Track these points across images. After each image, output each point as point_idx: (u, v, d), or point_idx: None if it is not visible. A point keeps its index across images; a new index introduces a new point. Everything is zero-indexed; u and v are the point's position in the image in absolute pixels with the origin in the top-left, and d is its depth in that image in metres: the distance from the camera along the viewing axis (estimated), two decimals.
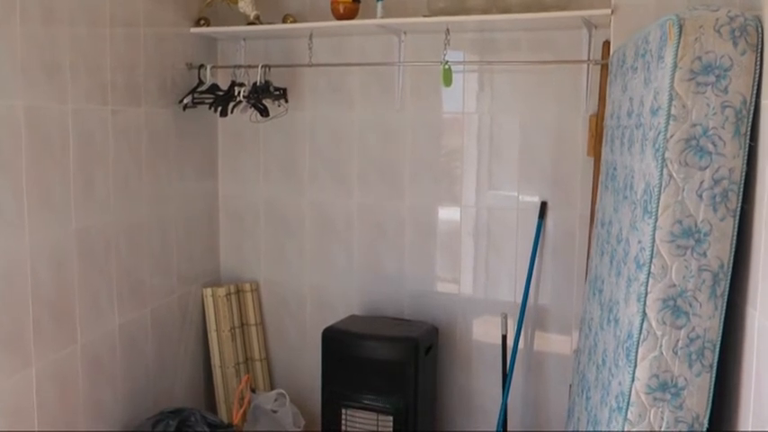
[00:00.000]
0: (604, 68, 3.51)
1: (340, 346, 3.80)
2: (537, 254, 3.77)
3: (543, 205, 3.79)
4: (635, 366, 2.08)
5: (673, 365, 2.04)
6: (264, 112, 4.02)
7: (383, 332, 3.79)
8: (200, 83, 4.05)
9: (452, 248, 4.04)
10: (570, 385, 3.57)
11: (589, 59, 3.62)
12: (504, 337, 3.77)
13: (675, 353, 2.04)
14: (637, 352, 2.08)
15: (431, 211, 4.06)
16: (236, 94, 3.88)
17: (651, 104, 2.13)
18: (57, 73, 3.13)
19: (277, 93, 4.01)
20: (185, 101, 3.95)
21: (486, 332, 3.98)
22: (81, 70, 3.28)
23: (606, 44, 3.51)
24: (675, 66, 1.98)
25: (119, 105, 3.54)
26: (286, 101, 4.05)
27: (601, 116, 3.51)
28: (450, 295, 4.06)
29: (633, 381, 2.09)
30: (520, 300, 3.84)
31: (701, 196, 1.99)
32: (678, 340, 2.03)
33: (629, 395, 2.10)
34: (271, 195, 4.38)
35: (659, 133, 2.02)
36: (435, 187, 4.03)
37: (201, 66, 4.05)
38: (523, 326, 3.80)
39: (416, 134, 4.04)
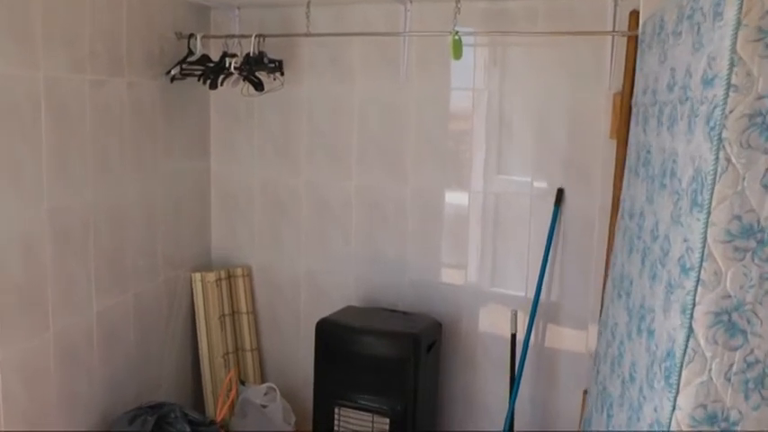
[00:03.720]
0: (631, 41, 3.06)
1: (334, 340, 3.38)
2: (552, 245, 3.34)
3: (560, 192, 3.34)
4: (677, 392, 1.64)
5: (724, 394, 1.60)
6: (259, 85, 3.58)
7: (382, 326, 3.36)
8: (190, 53, 3.60)
9: (459, 236, 3.61)
10: (585, 392, 3.15)
11: (614, 30, 3.17)
12: (514, 336, 3.33)
13: (728, 379, 1.60)
14: (679, 375, 1.63)
15: (436, 195, 3.62)
16: (227, 65, 3.44)
17: (704, 73, 1.68)
18: (26, 37, 2.73)
19: (272, 65, 3.57)
20: (173, 72, 3.51)
21: (493, 327, 3.55)
22: (55, 35, 2.87)
23: (634, 14, 3.05)
24: (739, 23, 1.52)
25: (98, 75, 3.11)
26: (282, 74, 3.62)
27: (626, 94, 3.07)
28: (455, 286, 3.63)
29: (674, 409, 1.65)
30: (531, 294, 3.41)
31: (766, 187, 1.55)
32: (732, 364, 1.59)
33: (669, 426, 1.66)
34: (265, 175, 3.95)
35: (715, 107, 1.57)
36: (441, 169, 3.60)
37: (191, 35, 3.61)
38: (535, 322, 3.38)
39: (422, 112, 3.59)
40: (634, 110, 2.60)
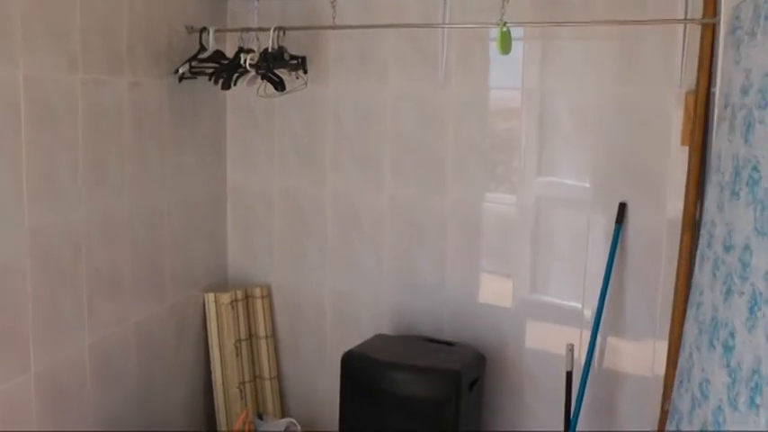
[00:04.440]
0: (707, 30, 2.60)
1: (363, 375, 2.95)
2: (612, 268, 2.89)
3: (622, 207, 2.89)
4: None
5: None
6: (279, 85, 3.17)
7: (417, 360, 2.92)
8: (202, 49, 3.21)
9: (504, 255, 3.17)
10: None
11: (686, 18, 2.71)
12: (570, 374, 2.88)
13: None
14: None
15: (478, 208, 3.18)
16: (241, 62, 3.04)
17: None
18: (1, 27, 2.35)
19: (294, 62, 3.15)
20: (181, 70, 3.11)
21: (544, 360, 3.10)
22: (37, 27, 2.48)
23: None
24: None
25: (92, 73, 2.73)
26: (305, 72, 3.20)
27: (702, 93, 2.62)
28: (500, 312, 3.19)
29: None
30: (587, 323, 2.97)
31: None
32: None
33: None
34: (287, 184, 3.54)
35: None
36: (484, 180, 3.16)
37: (204, 29, 3.21)
38: (594, 357, 2.93)
39: (462, 115, 3.16)
40: (723, 112, 2.15)
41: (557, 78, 3.00)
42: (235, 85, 3.08)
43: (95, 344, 2.83)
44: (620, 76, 2.88)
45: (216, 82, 3.07)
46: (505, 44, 2.77)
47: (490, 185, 3.15)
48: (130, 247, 3.01)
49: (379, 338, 3.17)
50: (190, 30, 3.23)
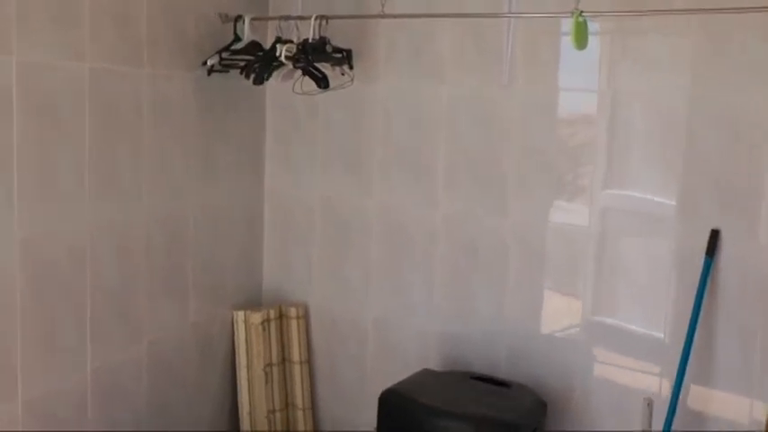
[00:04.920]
0: None
1: (402, 418, 2.54)
2: (702, 308, 2.42)
3: (714, 236, 2.41)
4: None
5: None
6: (322, 81, 2.79)
7: (466, 406, 2.49)
8: (236, 39, 2.85)
9: (572, 283, 2.71)
10: None
11: None
12: None
13: None
14: None
15: (543, 229, 2.73)
16: (277, 54, 2.66)
17: None
18: None
19: (337, 55, 2.77)
20: (210, 62, 2.75)
21: (616, 408, 2.64)
22: (35, 6, 2.15)
23: None
24: None
25: (103, 62, 2.39)
26: (350, 67, 2.81)
27: None
28: (565, 348, 2.73)
29: None
30: (668, 367, 2.50)
31: None
32: None
33: None
34: (329, 193, 3.15)
35: None
36: (552, 197, 2.71)
37: (239, 17, 2.85)
38: (676, 416, 2.47)
39: (529, 119, 2.71)
40: None
41: (638, 79, 2.53)
42: (268, 79, 2.70)
43: (99, 368, 2.50)
44: (713, 75, 2.41)
45: (247, 76, 2.70)
46: (581, 37, 2.33)
47: (558, 203, 2.71)
48: (144, 261, 2.67)
49: (425, 375, 2.75)
50: (224, 18, 2.87)
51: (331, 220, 3.16)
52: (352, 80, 2.86)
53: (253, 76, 2.67)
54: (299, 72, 2.70)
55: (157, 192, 2.69)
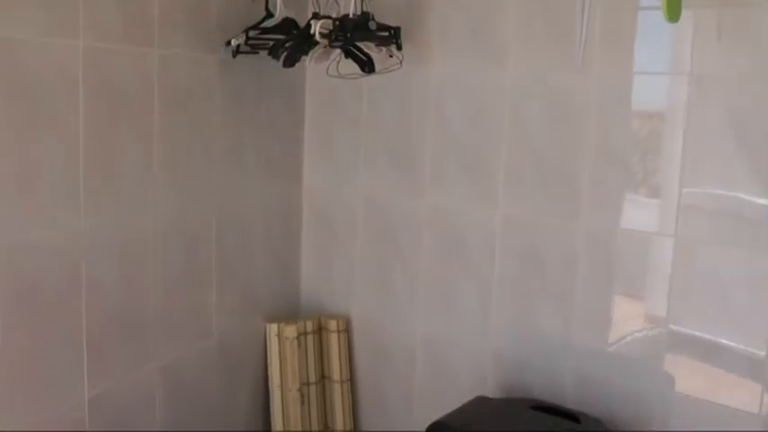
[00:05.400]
0: None
1: None
2: None
3: None
4: None
5: None
6: (367, 65, 2.43)
7: None
8: (268, 16, 2.50)
9: (654, 300, 2.29)
10: None
11: None
12: None
13: None
14: None
15: (619, 237, 2.31)
16: (312, 31, 2.29)
17: None
18: None
19: (383, 33, 2.39)
20: (234, 42, 2.40)
21: None
22: None
23: None
24: None
25: (99, 40, 2.06)
26: (398, 47, 2.43)
27: None
28: (642, 375, 2.32)
29: None
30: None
31: None
32: None
33: None
34: (375, 192, 2.78)
35: None
36: (631, 201, 2.29)
37: None
38: None
39: (606, 109, 2.28)
40: None
41: (740, 62, 2.09)
42: (299, 61, 2.34)
43: (99, 397, 2.16)
44: None
45: (276, 56, 2.33)
46: (673, 9, 1.92)
47: (638, 205, 2.29)
48: (157, 270, 2.33)
49: (479, 404, 2.35)
50: None
51: (376, 223, 2.79)
52: (400, 63, 2.48)
53: (283, 56, 2.31)
54: (337, 53, 2.33)
55: (172, 192, 2.35)
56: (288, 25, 2.45)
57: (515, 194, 2.46)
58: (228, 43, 2.40)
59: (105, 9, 2.06)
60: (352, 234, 2.85)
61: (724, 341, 2.17)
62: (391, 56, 2.48)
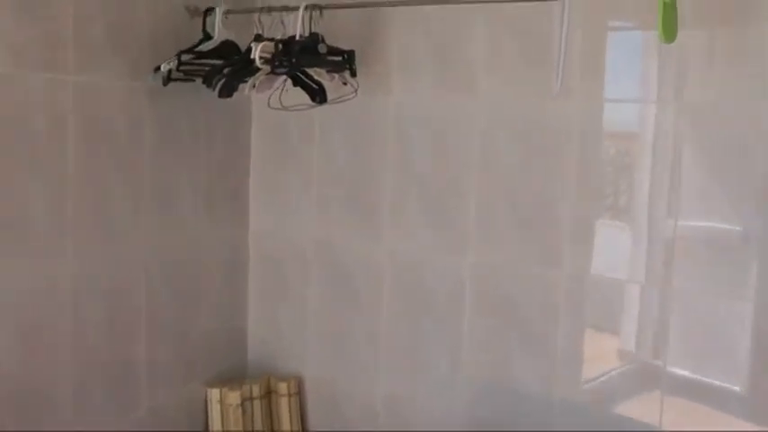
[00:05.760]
0: None
1: None
2: None
3: None
4: None
5: None
6: (318, 94, 2.14)
7: None
8: (206, 38, 2.19)
9: (642, 352, 2.02)
10: None
11: None
12: None
13: None
14: None
15: (603, 285, 2.04)
16: (252, 55, 1.99)
17: None
18: None
19: (335, 58, 2.10)
20: (164, 68, 2.08)
21: None
22: None
23: None
24: None
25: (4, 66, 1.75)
26: (353, 74, 2.14)
27: None
28: None
29: None
30: None
31: None
32: None
33: None
34: (329, 237, 2.46)
35: None
36: (625, 246, 2.00)
37: (209, 10, 2.20)
38: None
39: (590, 143, 2.01)
40: None
41: (738, 87, 1.85)
42: (236, 90, 2.03)
43: None
44: None
45: (211, 85, 2.02)
46: (669, 26, 1.65)
47: (633, 253, 2.01)
48: (68, 332, 1.99)
49: None
50: (192, 11, 2.22)
51: (331, 271, 2.47)
52: (355, 91, 2.18)
53: (219, 84, 1.99)
54: (281, 80, 2.02)
55: (89, 240, 2.02)
56: (227, 49, 2.15)
57: (487, 238, 2.16)
58: (158, 69, 2.08)
59: (4, 27, 1.75)
60: (304, 283, 2.52)
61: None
62: (345, 83, 2.19)
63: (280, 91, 2.05)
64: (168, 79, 2.11)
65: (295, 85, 2.17)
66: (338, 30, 2.18)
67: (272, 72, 1.96)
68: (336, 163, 2.42)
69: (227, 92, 1.99)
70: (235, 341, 2.59)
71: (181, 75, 2.12)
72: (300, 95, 2.18)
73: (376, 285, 2.38)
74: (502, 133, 2.12)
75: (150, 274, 2.23)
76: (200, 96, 2.24)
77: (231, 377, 2.54)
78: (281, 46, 1.92)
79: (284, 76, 2.00)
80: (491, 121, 2.14)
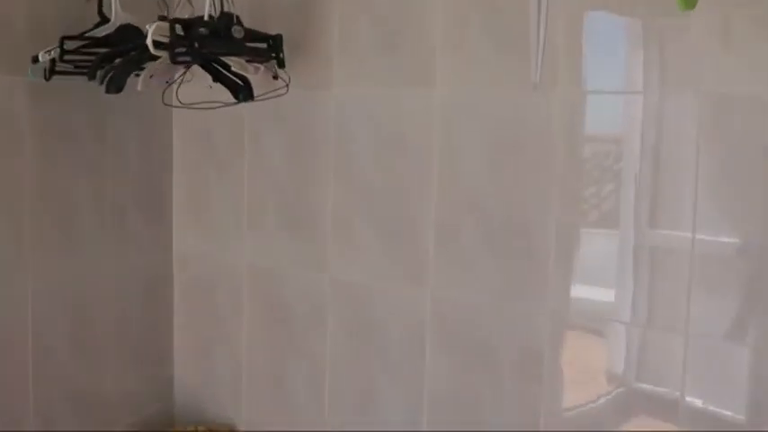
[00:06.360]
0: None
1: None
2: None
3: None
4: None
5: None
6: (243, 90, 1.73)
7: None
8: (103, 21, 1.78)
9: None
10: None
11: None
12: None
13: None
14: None
15: (593, 327, 1.63)
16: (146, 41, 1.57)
17: None
18: None
19: (257, 46, 1.69)
20: (42, 59, 1.65)
21: None
22: None
23: None
24: None
25: None
26: (280, 64, 1.73)
27: None
28: None
29: None
30: None
31: None
32: None
33: None
34: (263, 261, 2.04)
35: None
36: (619, 275, 1.61)
37: None
38: None
39: (575, 143, 1.61)
40: None
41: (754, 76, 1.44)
42: (123, 84, 1.61)
43: None
44: None
45: (92, 77, 1.60)
46: None
47: (621, 283, 1.61)
48: None
49: None
50: None
51: (267, 301, 2.05)
52: (287, 86, 1.78)
53: (107, 78, 1.58)
54: (179, 71, 1.61)
55: None
56: (128, 34, 1.72)
57: (451, 263, 1.75)
58: (36, 60, 1.66)
59: None
60: (237, 316, 2.10)
61: None
62: (275, 77, 1.78)
63: (177, 84, 1.63)
64: (52, 72, 1.68)
65: (215, 80, 1.76)
66: (265, 10, 1.78)
67: (172, 61, 1.54)
68: (270, 173, 2.00)
69: (114, 87, 1.57)
70: (157, 386, 2.16)
71: (70, 67, 1.71)
72: (222, 92, 1.78)
73: (318, 319, 1.96)
74: (465, 131, 1.70)
75: (40, 312, 1.81)
76: (102, 95, 1.81)
77: (155, 428, 2.13)
78: (179, 27, 1.51)
79: (183, 67, 1.58)
80: (452, 118, 1.72)
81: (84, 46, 1.70)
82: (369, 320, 1.88)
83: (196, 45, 1.51)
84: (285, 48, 1.76)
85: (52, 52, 1.65)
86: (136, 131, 2.02)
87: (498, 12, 1.64)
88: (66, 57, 1.66)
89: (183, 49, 1.51)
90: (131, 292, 2.07)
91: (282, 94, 1.78)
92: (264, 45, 1.70)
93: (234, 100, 1.77)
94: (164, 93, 1.65)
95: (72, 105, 1.83)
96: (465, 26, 1.69)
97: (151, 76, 1.58)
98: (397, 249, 1.81)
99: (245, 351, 2.10)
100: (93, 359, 1.96)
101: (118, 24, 1.74)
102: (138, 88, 1.60)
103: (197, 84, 1.78)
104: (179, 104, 1.63)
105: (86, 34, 1.72)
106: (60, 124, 1.82)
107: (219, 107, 1.73)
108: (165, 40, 1.51)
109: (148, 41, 1.48)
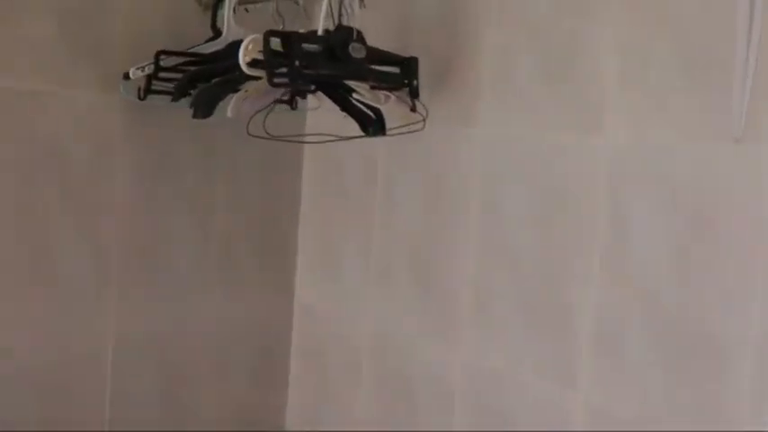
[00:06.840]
0: None
1: None
2: None
3: None
4: None
5: None
6: (375, 122, 1.44)
7: None
8: (216, 35, 1.53)
9: None
10: None
11: None
12: None
13: None
14: None
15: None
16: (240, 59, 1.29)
17: None
18: None
19: (385, 70, 1.38)
20: (134, 74, 1.41)
21: None
22: None
23: None
24: None
25: None
26: (413, 93, 1.41)
27: None
28: None
29: None
30: None
31: None
32: None
33: None
34: (388, 326, 1.71)
35: None
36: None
37: (219, 1, 1.53)
38: None
39: None
40: None
41: None
42: (213, 109, 1.34)
43: None
44: None
45: (176, 98, 1.35)
46: None
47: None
48: None
49: None
50: (203, 3, 1.57)
51: (388, 374, 1.72)
52: (423, 120, 1.45)
53: (195, 101, 1.31)
54: (278, 96, 1.32)
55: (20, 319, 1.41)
56: (231, 51, 1.47)
57: (613, 369, 1.33)
58: (127, 77, 1.44)
59: None
60: (354, 387, 1.79)
61: None
62: (413, 109, 1.46)
63: (266, 113, 1.34)
64: (147, 91, 1.46)
65: (342, 109, 1.47)
66: (408, 33, 1.47)
67: (271, 83, 1.25)
68: (402, 223, 1.68)
69: (203, 111, 1.30)
70: None
71: (169, 86, 1.47)
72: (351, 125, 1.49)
73: (444, 403, 1.60)
74: (637, 187, 1.30)
75: (126, 359, 1.58)
76: (214, 119, 1.56)
77: None
78: (276, 42, 1.21)
79: (281, 91, 1.29)
80: (624, 171, 1.31)
81: (186, 63, 1.46)
82: (500, 410, 1.49)
83: (297, 64, 1.21)
84: (423, 75, 1.44)
85: (146, 68, 1.43)
86: (256, 164, 1.76)
87: (691, 43, 1.23)
88: (163, 74, 1.43)
89: (284, 70, 1.22)
90: (238, 345, 1.81)
91: (418, 130, 1.47)
92: (394, 69, 1.38)
93: (362, 134, 1.48)
94: (248, 122, 1.37)
95: (174, 129, 1.59)
96: (642, 63, 1.29)
97: (240, 104, 1.30)
98: (545, 340, 1.42)
99: (362, 425, 1.77)
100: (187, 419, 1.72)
101: (230, 40, 1.49)
102: (228, 114, 1.33)
103: (326, 112, 1.51)
104: (266, 136, 1.35)
105: (191, 49, 1.48)
106: (161, 149, 1.59)
107: (332, 141, 1.43)
108: (256, 56, 1.23)
109: (240, 59, 1.21)
